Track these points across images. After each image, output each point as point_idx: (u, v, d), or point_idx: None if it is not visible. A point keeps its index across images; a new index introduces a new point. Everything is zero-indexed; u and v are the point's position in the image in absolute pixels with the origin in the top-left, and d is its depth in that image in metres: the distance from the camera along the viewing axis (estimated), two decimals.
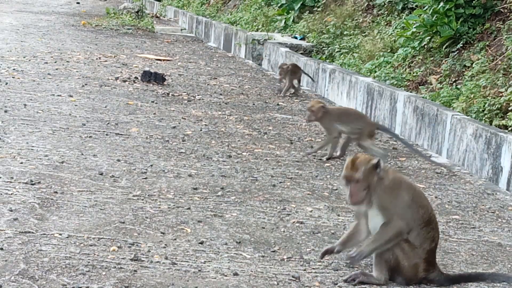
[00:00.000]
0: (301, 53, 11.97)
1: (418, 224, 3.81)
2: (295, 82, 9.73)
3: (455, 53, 8.88)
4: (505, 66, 7.67)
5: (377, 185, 3.82)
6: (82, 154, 5.86)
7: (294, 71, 9.67)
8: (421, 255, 3.82)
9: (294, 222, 4.72)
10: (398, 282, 3.85)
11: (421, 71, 9.15)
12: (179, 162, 5.92)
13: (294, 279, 3.81)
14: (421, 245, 3.81)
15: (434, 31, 9.24)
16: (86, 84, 9.02)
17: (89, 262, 3.79)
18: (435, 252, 3.89)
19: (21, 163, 5.45)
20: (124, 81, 9.56)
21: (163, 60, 12.19)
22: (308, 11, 14.02)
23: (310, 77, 10.26)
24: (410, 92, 8.56)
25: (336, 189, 5.54)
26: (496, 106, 7.06)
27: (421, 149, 7.21)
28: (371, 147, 6.46)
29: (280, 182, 5.59)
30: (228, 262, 3.97)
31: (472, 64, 8.34)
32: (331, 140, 6.53)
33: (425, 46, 9.53)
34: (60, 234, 4.13)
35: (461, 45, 8.88)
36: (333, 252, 4.02)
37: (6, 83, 8.53)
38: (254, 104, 8.85)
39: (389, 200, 3.84)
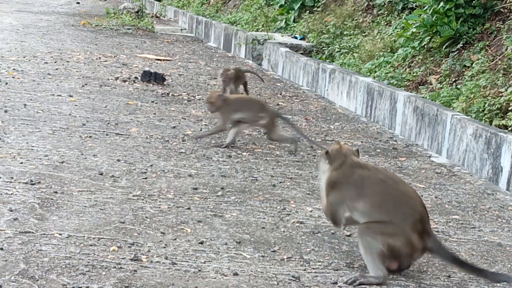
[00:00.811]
0: (301, 53, 11.98)
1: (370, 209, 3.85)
2: (240, 88, 8.78)
3: (455, 53, 8.89)
4: (505, 66, 7.67)
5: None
6: (82, 154, 5.86)
7: (238, 77, 8.59)
8: (406, 230, 3.80)
9: (294, 222, 4.72)
10: (404, 266, 3.90)
11: (421, 71, 9.15)
12: (179, 162, 5.92)
13: (294, 279, 3.81)
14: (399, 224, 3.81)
15: (434, 31, 9.24)
16: (86, 84, 9.02)
17: (89, 262, 3.79)
18: (424, 222, 3.85)
19: (21, 163, 5.45)
20: (124, 81, 9.56)
21: (163, 60, 12.19)
22: (308, 11, 14.02)
23: (260, 77, 9.93)
24: (410, 92, 8.56)
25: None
26: (496, 106, 7.06)
27: (421, 149, 7.22)
28: (280, 136, 6.68)
29: (280, 182, 5.59)
30: (228, 262, 3.97)
31: (472, 64, 8.34)
32: (222, 128, 6.68)
33: (425, 46, 9.53)
34: (60, 234, 4.13)
35: (461, 45, 8.88)
36: None
37: (6, 83, 8.53)
38: None
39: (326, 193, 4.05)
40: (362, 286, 3.80)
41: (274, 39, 12.92)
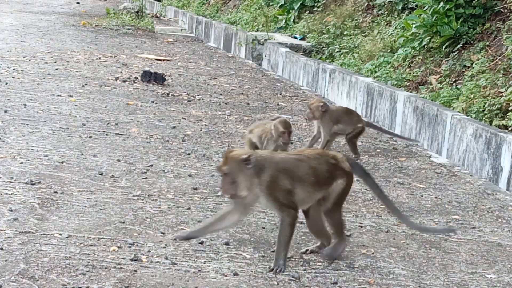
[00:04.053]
0: (301, 53, 11.98)
1: (314, 190, 3.97)
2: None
3: (455, 53, 8.88)
4: (505, 66, 7.67)
5: (258, 180, 3.87)
6: (82, 154, 5.86)
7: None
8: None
9: None
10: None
11: (421, 71, 9.15)
12: (179, 162, 5.92)
13: (294, 279, 3.81)
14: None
15: (434, 31, 9.24)
16: (86, 84, 9.02)
17: (89, 262, 3.79)
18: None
19: (21, 163, 5.45)
20: (124, 81, 9.56)
21: (163, 60, 12.19)
22: (308, 11, 14.02)
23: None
24: (410, 92, 8.56)
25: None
26: (496, 106, 7.06)
27: (421, 149, 7.22)
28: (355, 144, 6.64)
29: None
30: (228, 262, 3.97)
31: (472, 64, 8.34)
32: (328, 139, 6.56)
33: (425, 46, 9.53)
34: (60, 234, 4.13)
35: (461, 45, 8.88)
36: (187, 239, 4.14)
37: (6, 83, 8.53)
38: (254, 104, 8.85)
39: (272, 194, 3.88)
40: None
41: (274, 39, 12.92)
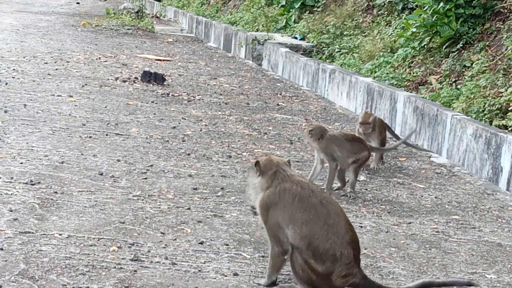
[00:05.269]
0: (301, 53, 11.98)
1: (304, 244, 3.47)
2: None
3: (455, 53, 8.89)
4: (505, 66, 7.67)
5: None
6: (82, 154, 5.86)
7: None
8: (331, 269, 3.47)
9: None
10: None
11: (421, 71, 9.15)
12: (179, 162, 5.92)
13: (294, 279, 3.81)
14: (324, 262, 3.47)
15: (434, 31, 9.24)
16: (86, 84, 9.02)
17: (89, 262, 3.79)
18: (351, 262, 3.50)
19: (21, 163, 5.45)
20: (124, 81, 9.56)
21: (163, 60, 12.19)
22: (308, 11, 14.02)
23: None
24: (410, 92, 8.56)
25: (336, 189, 5.53)
26: (496, 106, 7.06)
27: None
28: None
29: None
30: (228, 262, 3.97)
31: (472, 64, 8.34)
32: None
33: (425, 46, 9.53)
34: (60, 234, 4.13)
35: (461, 45, 8.88)
36: None
37: (6, 83, 8.53)
38: (254, 104, 8.85)
39: (263, 218, 3.61)
40: None
41: (274, 39, 12.92)
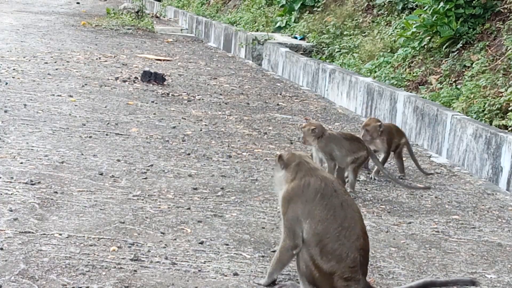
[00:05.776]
0: (301, 53, 11.98)
1: (314, 241, 3.48)
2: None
3: (455, 53, 8.89)
4: (505, 66, 7.67)
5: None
6: (82, 154, 5.86)
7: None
8: (335, 269, 3.46)
9: None
10: None
11: (421, 71, 9.15)
12: (179, 162, 5.92)
13: (294, 279, 3.81)
14: (329, 260, 3.46)
15: (434, 31, 9.24)
16: (86, 84, 9.02)
17: (89, 262, 3.79)
18: (356, 267, 3.48)
19: (21, 163, 5.45)
20: (124, 81, 9.56)
21: (163, 60, 12.19)
22: (308, 11, 14.02)
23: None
24: (410, 92, 8.56)
25: None
26: (496, 106, 7.06)
27: (421, 149, 7.22)
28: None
29: None
30: (228, 262, 3.97)
31: (472, 64, 8.34)
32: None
33: (425, 46, 9.53)
34: (60, 234, 4.13)
35: (461, 45, 8.88)
36: None
37: (6, 83, 8.53)
38: (254, 104, 8.85)
39: (284, 209, 3.61)
40: None
41: (274, 39, 12.92)
